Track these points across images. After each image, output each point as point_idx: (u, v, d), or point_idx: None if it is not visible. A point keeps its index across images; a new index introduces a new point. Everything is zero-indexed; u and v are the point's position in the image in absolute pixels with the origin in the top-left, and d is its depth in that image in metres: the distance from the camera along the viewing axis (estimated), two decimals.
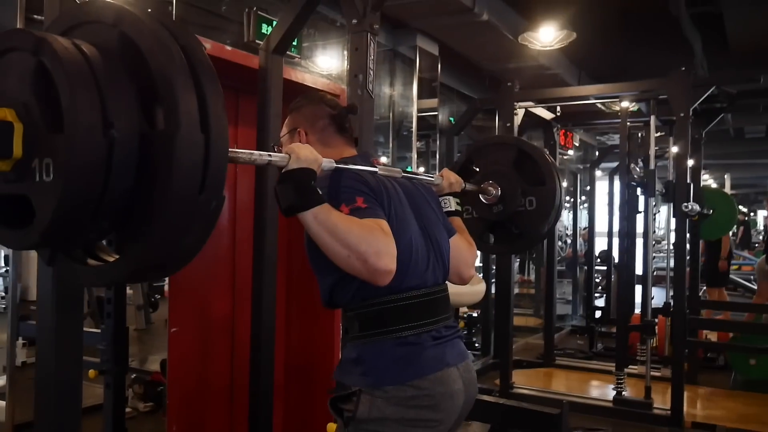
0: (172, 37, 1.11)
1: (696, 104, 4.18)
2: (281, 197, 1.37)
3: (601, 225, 8.92)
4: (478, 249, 2.57)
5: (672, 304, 4.43)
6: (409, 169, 2.34)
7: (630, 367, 5.25)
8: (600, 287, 9.67)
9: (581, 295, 8.86)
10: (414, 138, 4.92)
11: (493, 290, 5.64)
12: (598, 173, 9.43)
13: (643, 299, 4.50)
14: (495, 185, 2.49)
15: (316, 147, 1.59)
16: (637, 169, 4.41)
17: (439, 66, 4.82)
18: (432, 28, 4.55)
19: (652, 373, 4.68)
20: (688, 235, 4.39)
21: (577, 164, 9.74)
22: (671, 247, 5.31)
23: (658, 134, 5.42)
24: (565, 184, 11.99)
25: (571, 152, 7.95)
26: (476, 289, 4.36)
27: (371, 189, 1.49)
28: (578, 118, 5.86)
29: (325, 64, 4.24)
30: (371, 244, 1.34)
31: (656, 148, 5.28)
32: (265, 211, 2.56)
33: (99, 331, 3.29)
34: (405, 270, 1.50)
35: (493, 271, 6.02)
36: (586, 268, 8.45)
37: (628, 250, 4.51)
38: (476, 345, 6.40)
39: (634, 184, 4.29)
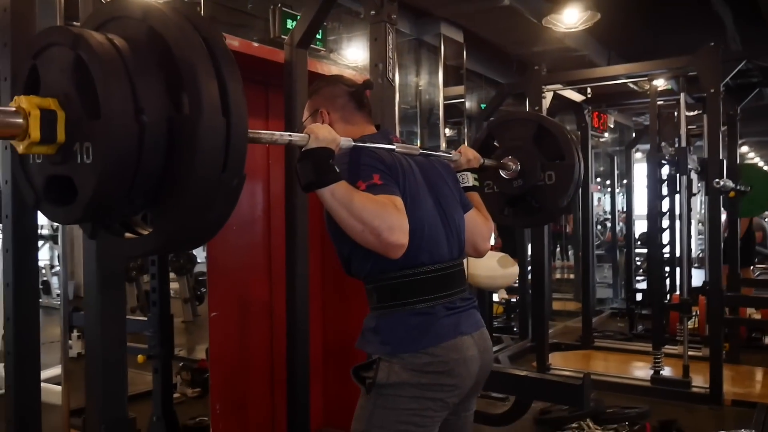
0: (194, 30, 1.21)
1: (727, 79, 4.13)
2: (301, 174, 1.46)
3: (640, 208, 8.83)
4: (498, 222, 2.63)
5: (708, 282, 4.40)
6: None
7: (670, 347, 5.23)
8: (641, 270, 9.57)
9: (622, 278, 8.78)
10: (441, 125, 4.96)
11: (529, 274, 5.66)
12: (637, 155, 9.34)
13: (681, 279, 4.48)
14: (515, 160, 2.54)
15: (338, 124, 1.71)
16: (669, 148, 4.38)
17: (465, 53, 4.86)
18: (455, 15, 4.59)
19: (692, 353, 4.66)
20: (726, 212, 4.36)
21: (613, 147, 9.62)
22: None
23: (694, 113, 5.36)
24: (602, 168, 11.93)
25: (606, 136, 7.88)
26: (509, 271, 4.40)
27: (387, 166, 1.56)
28: (610, 100, 5.82)
29: (351, 55, 4.33)
30: (384, 220, 1.42)
31: (693, 126, 5.26)
32: (296, 198, 2.67)
33: (146, 319, 3.49)
34: (419, 245, 1.57)
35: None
36: (626, 251, 8.38)
37: (658, 230, 4.47)
38: (514, 329, 6.44)
39: (665, 162, 4.26)
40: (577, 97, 5.19)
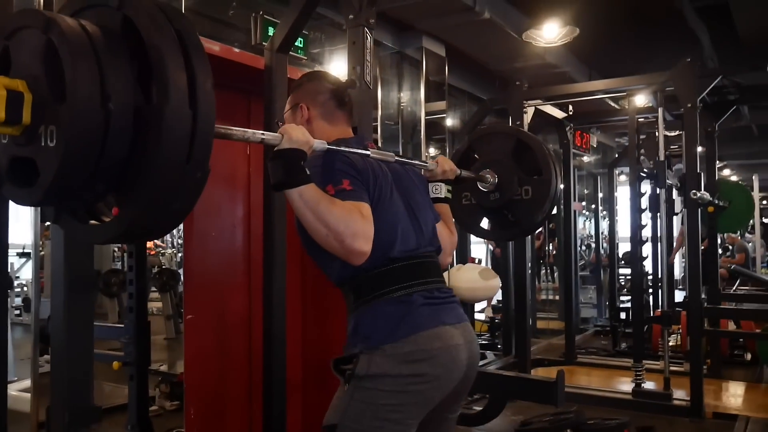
0: (168, 21, 1.22)
1: (704, 94, 4.21)
2: (271, 173, 1.47)
3: (624, 229, 8.88)
4: (474, 234, 2.64)
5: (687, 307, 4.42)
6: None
7: (651, 362, 5.24)
8: (625, 289, 9.61)
9: (606, 297, 8.80)
10: (423, 141, 4.98)
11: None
12: (621, 178, 9.42)
13: (662, 294, 4.50)
14: (493, 173, 2.55)
15: (318, 121, 1.73)
16: (649, 162, 4.43)
17: (447, 68, 4.92)
18: (437, 29, 4.66)
19: (674, 368, 4.67)
20: (704, 228, 4.40)
21: (597, 168, 9.73)
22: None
23: (675, 133, 5.44)
24: (586, 191, 12.03)
25: (586, 158, 7.95)
26: (491, 283, 4.40)
27: (358, 172, 1.57)
28: (591, 117, 5.90)
29: (333, 68, 4.37)
30: (349, 226, 1.43)
31: (674, 147, 5.32)
32: (275, 208, 2.64)
33: (122, 325, 3.45)
34: (391, 241, 1.59)
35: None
36: (609, 270, 8.41)
37: (639, 242, 4.51)
38: (498, 346, 6.43)
39: (644, 175, 4.32)
40: (559, 113, 5.26)
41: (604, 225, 9.93)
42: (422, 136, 4.88)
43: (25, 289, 9.60)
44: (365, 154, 1.63)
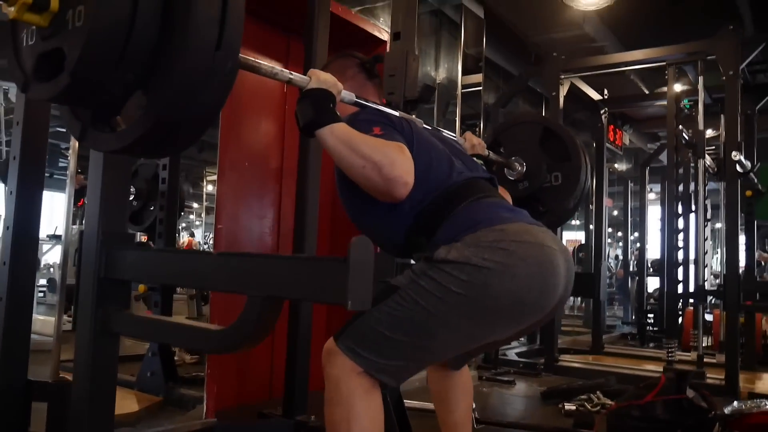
0: None
1: (744, 64, 4.14)
2: (300, 115, 1.42)
3: (655, 237, 8.73)
4: None
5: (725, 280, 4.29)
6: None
7: (683, 354, 5.09)
8: (652, 299, 9.40)
9: (633, 305, 8.60)
10: (458, 117, 4.92)
11: None
12: (650, 195, 9.29)
13: (696, 274, 4.38)
14: (521, 161, 2.51)
15: None
16: (685, 134, 4.36)
17: (485, 39, 4.89)
18: None
19: (708, 359, 4.51)
20: (742, 214, 4.29)
21: (628, 173, 9.61)
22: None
23: (711, 134, 5.34)
24: (615, 212, 11.82)
25: (617, 164, 7.86)
26: None
27: (391, 122, 1.52)
28: (625, 101, 5.84)
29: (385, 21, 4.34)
30: (386, 155, 1.35)
31: (709, 148, 5.23)
32: (306, 215, 2.53)
33: None
34: (448, 174, 1.50)
35: None
36: (637, 278, 8.24)
37: (674, 214, 4.41)
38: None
39: (684, 142, 4.23)
40: (594, 95, 5.21)
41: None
42: (458, 112, 4.81)
43: (52, 270, 9.75)
44: (393, 114, 1.59)
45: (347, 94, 1.54)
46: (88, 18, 1.06)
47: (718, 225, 8.91)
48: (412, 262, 1.48)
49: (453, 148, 1.66)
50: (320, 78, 1.44)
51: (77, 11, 1.09)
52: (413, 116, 1.81)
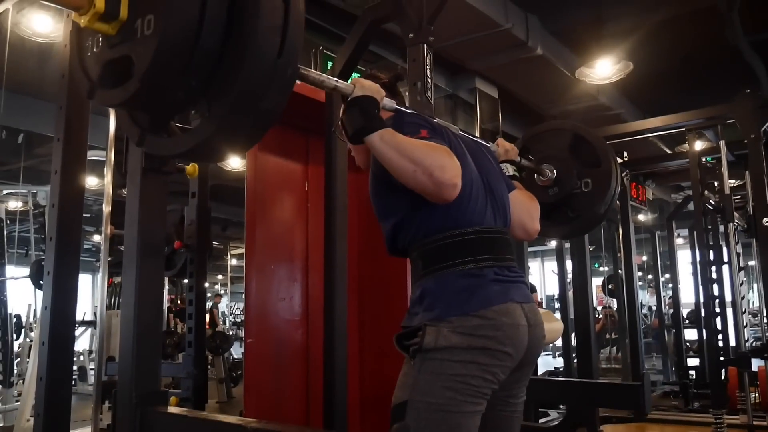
0: None
1: (766, 125, 4.10)
2: (348, 123, 1.48)
3: (688, 286, 8.55)
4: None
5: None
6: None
7: (731, 417, 4.88)
8: (691, 350, 9.13)
9: (672, 359, 8.36)
10: None
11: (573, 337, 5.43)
12: (679, 241, 9.14)
13: (736, 333, 4.25)
14: (551, 167, 2.52)
15: None
16: (711, 197, 4.30)
17: (500, 114, 4.94)
18: (489, 68, 4.70)
19: (757, 422, 4.33)
20: None
21: (654, 227, 9.49)
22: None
23: (733, 183, 5.27)
24: (644, 257, 11.64)
25: (642, 216, 7.73)
26: (554, 326, 4.22)
27: (433, 127, 1.59)
28: (646, 163, 5.80)
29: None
30: (436, 159, 1.42)
31: (736, 198, 5.15)
32: (336, 236, 2.62)
33: (180, 363, 3.44)
34: (465, 206, 1.55)
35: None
36: (674, 330, 8.03)
37: (708, 280, 4.31)
38: (561, 406, 6.11)
39: (710, 207, 4.17)
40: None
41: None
42: None
43: (81, 357, 9.75)
44: (431, 119, 1.65)
45: (388, 101, 1.59)
46: (159, 26, 1.09)
47: (752, 263, 8.76)
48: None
49: (484, 168, 1.69)
50: (364, 85, 1.52)
51: (146, 20, 1.12)
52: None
